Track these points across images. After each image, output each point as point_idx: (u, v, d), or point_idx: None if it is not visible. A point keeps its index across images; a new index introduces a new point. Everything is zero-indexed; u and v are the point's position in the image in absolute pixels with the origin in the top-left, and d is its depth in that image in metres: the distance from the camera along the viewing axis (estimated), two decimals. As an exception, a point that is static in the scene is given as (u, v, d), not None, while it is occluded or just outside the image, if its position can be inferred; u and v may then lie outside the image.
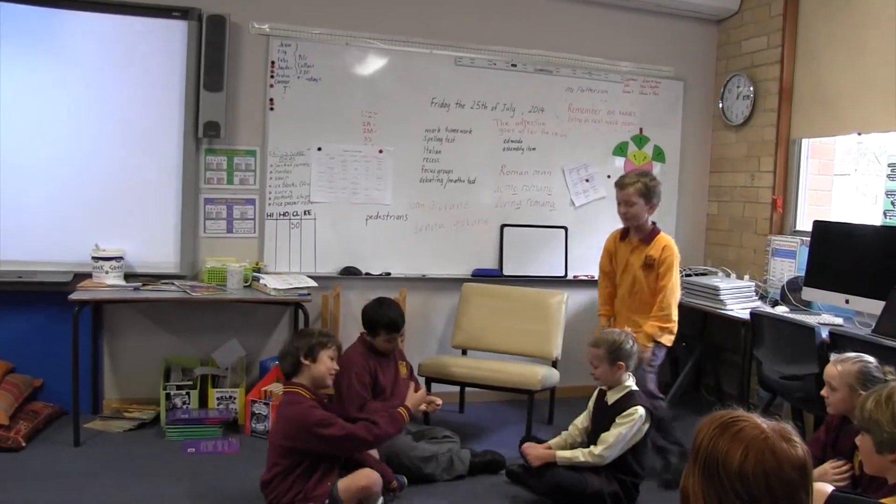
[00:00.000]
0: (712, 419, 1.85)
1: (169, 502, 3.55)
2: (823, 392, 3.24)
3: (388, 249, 5.12)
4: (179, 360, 4.84)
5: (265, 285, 4.53)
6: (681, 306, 4.92)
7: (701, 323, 5.54)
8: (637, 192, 4.00)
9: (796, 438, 1.80)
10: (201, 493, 3.67)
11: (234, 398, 4.62)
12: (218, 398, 4.60)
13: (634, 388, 3.74)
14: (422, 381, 4.50)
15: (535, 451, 3.74)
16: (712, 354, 5.25)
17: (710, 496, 1.77)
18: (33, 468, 3.85)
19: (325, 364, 3.43)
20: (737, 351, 5.31)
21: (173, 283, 4.56)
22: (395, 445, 3.89)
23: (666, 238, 4.08)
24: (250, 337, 4.96)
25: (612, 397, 3.72)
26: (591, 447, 3.62)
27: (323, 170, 4.97)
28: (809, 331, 3.87)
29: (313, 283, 4.68)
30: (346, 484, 3.29)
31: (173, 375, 4.69)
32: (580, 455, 3.62)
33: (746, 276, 5.14)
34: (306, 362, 3.41)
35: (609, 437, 3.58)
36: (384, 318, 4.19)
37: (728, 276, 5.26)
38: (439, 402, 4.07)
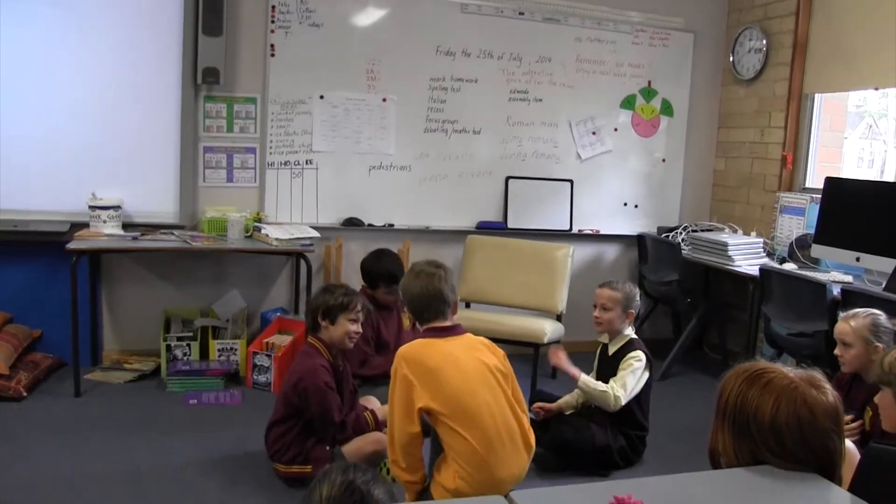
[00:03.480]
0: (737, 373, 1.80)
1: (172, 454, 3.51)
2: (837, 351, 3.20)
3: (391, 200, 5.03)
4: (179, 311, 4.77)
5: (267, 235, 4.44)
6: (687, 263, 4.92)
7: (704, 279, 5.50)
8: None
9: (826, 385, 1.75)
10: (204, 444, 3.62)
11: (236, 350, 4.56)
12: (219, 350, 4.55)
13: (634, 336, 3.71)
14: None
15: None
16: (717, 311, 5.21)
17: (741, 451, 1.73)
18: (35, 419, 3.80)
19: (344, 328, 3.34)
20: (742, 308, 5.30)
21: (172, 233, 4.47)
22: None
23: None
24: (251, 288, 4.89)
25: (613, 348, 3.70)
26: (613, 383, 3.54)
27: (325, 118, 4.85)
28: (820, 287, 3.83)
29: (316, 234, 4.60)
30: (355, 448, 3.24)
31: (173, 327, 4.63)
32: (602, 385, 3.55)
33: (753, 233, 5.08)
34: (324, 323, 3.34)
35: (618, 380, 3.55)
36: (383, 271, 4.13)
37: (735, 232, 5.20)
38: None
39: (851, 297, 3.67)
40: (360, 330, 3.44)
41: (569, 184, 5.35)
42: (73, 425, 3.75)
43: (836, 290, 3.82)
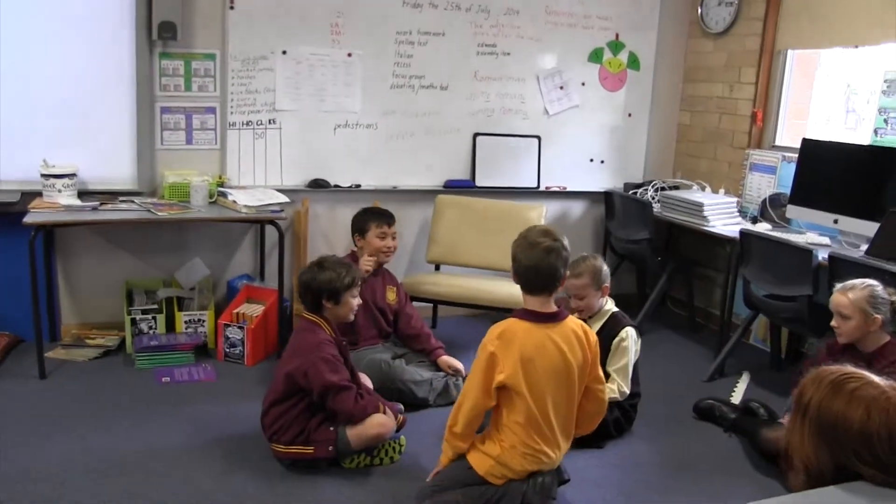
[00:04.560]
0: (818, 377, 1.77)
1: (156, 439, 3.34)
2: (834, 323, 3.25)
3: (357, 160, 4.84)
4: (140, 282, 4.53)
5: (234, 202, 4.22)
6: (657, 220, 4.91)
7: (668, 235, 5.52)
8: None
9: None
10: (187, 427, 3.47)
11: (204, 321, 4.37)
12: (186, 321, 4.35)
13: (615, 309, 3.62)
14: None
15: None
16: (683, 268, 5.24)
17: (821, 454, 1.71)
18: (2, 405, 3.57)
19: (349, 305, 3.26)
20: (708, 265, 5.37)
21: (133, 201, 4.20)
22: (389, 371, 3.77)
23: None
24: (214, 255, 4.67)
25: (595, 325, 3.53)
26: (610, 385, 3.43)
27: (289, 75, 4.59)
28: (806, 254, 3.84)
29: (285, 199, 4.39)
30: (358, 431, 3.13)
31: (136, 299, 4.39)
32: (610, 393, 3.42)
33: (722, 190, 5.09)
34: (328, 304, 3.22)
35: (619, 373, 3.50)
36: (371, 209, 4.19)
37: (703, 189, 5.20)
38: None
39: (838, 264, 3.70)
40: (361, 301, 3.37)
41: (536, 140, 5.25)
42: (44, 411, 3.53)
43: (821, 256, 3.84)
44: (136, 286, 4.49)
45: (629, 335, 3.54)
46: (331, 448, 3.11)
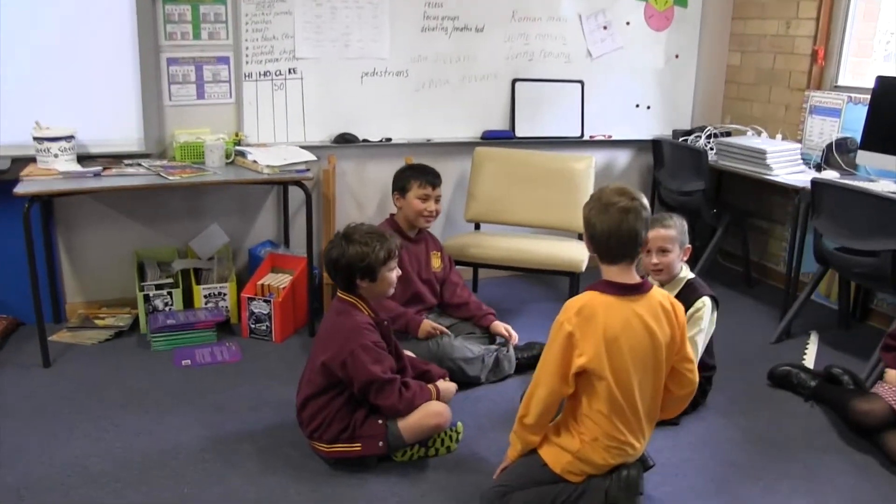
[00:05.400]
0: None
1: (177, 435, 2.96)
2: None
3: (387, 111, 4.38)
4: (152, 252, 4.11)
5: (255, 162, 3.78)
6: (711, 170, 4.51)
7: (718, 185, 5.11)
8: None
9: None
10: (212, 418, 3.08)
11: (224, 294, 3.97)
12: (205, 296, 3.95)
13: (691, 275, 3.23)
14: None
15: None
16: (737, 221, 4.84)
17: None
18: (2, 398, 3.17)
19: (387, 280, 2.82)
20: (764, 217, 4.97)
21: (140, 164, 3.75)
22: (438, 350, 3.38)
23: None
24: (232, 220, 4.25)
25: (670, 293, 3.15)
26: None
27: (309, 18, 4.10)
28: (891, 203, 3.45)
29: (311, 156, 3.95)
30: (414, 422, 2.75)
31: (149, 272, 3.97)
32: None
33: (779, 136, 4.67)
34: (363, 284, 2.79)
35: (693, 348, 3.10)
36: (416, 166, 3.77)
37: (759, 134, 4.77)
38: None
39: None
40: (400, 272, 2.94)
41: (579, 85, 4.79)
42: (49, 405, 3.14)
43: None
44: (148, 258, 4.07)
45: (705, 305, 3.15)
46: (381, 444, 2.73)
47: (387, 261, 2.79)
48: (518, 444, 2.52)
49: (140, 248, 4.09)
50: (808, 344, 4.03)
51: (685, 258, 3.20)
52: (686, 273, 3.23)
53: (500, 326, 3.63)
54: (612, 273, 2.38)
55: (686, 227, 3.18)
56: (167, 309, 3.86)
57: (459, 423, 2.94)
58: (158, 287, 3.86)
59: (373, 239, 2.79)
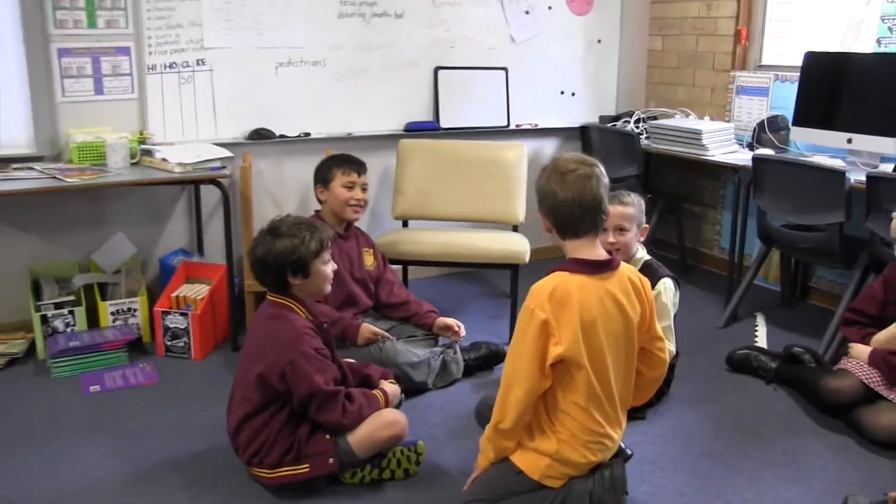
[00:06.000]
0: None
1: (88, 471, 2.58)
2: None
3: (304, 104, 4.08)
4: (49, 268, 3.67)
5: (164, 160, 3.41)
6: (644, 153, 4.40)
7: (646, 170, 5.01)
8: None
9: None
10: (132, 451, 2.71)
11: (135, 310, 3.57)
12: (113, 313, 3.54)
13: (647, 257, 3.08)
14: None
15: None
16: (671, 207, 4.75)
17: None
18: None
19: (322, 274, 2.53)
20: (695, 201, 4.90)
21: (32, 168, 3.33)
22: (381, 355, 3.10)
23: None
24: (139, 228, 3.85)
25: None
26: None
27: (217, 5, 3.76)
28: (837, 176, 3.39)
29: (227, 153, 3.60)
30: (365, 435, 2.46)
31: (45, 290, 3.53)
32: None
33: (707, 117, 4.60)
34: (296, 281, 2.49)
35: (666, 333, 2.92)
36: (338, 155, 3.47)
37: (687, 116, 4.70)
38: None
39: (879, 185, 3.26)
40: (336, 266, 2.65)
41: (503, 72, 4.60)
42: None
43: (854, 178, 3.39)
44: (45, 274, 3.63)
45: (667, 287, 3.00)
46: (332, 461, 2.43)
47: (319, 252, 2.50)
48: (490, 451, 2.26)
49: (35, 263, 3.64)
50: (756, 326, 3.97)
51: (642, 238, 3.04)
52: (643, 254, 3.08)
53: (444, 323, 3.39)
54: (578, 249, 2.16)
55: (644, 205, 3.02)
56: (69, 330, 3.44)
57: (420, 443, 2.62)
58: (58, 306, 3.44)
59: (301, 230, 2.50)
